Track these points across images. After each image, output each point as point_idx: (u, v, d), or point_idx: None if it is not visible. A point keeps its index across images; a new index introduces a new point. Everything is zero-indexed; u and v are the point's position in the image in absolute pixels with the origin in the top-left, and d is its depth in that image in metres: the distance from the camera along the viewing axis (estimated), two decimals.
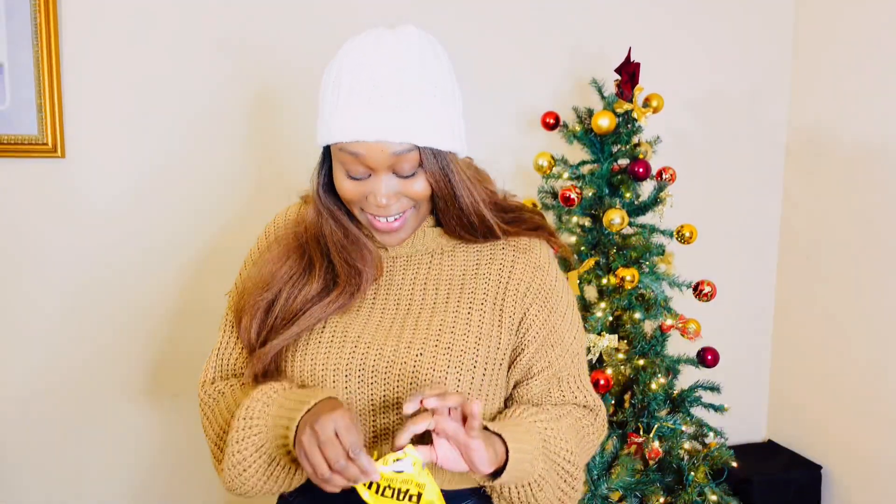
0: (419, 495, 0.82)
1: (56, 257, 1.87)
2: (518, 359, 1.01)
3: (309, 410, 0.86)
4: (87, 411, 1.93)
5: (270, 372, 1.00)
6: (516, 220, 1.06)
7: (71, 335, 1.90)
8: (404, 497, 0.82)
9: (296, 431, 0.86)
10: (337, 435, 0.81)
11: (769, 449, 2.41)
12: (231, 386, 1.05)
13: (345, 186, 0.96)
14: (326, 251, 1.02)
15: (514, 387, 1.04)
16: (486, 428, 0.90)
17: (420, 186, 0.95)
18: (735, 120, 2.34)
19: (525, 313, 1.01)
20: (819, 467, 2.25)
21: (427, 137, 0.92)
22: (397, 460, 0.81)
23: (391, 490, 0.82)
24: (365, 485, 0.82)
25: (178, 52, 1.89)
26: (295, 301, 0.99)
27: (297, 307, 0.99)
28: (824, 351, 2.26)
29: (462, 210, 0.99)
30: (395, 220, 0.97)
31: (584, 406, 1.05)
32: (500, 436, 0.90)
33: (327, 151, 1.00)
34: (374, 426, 0.97)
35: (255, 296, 1.00)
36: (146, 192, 1.91)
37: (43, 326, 1.88)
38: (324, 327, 0.99)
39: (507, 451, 0.89)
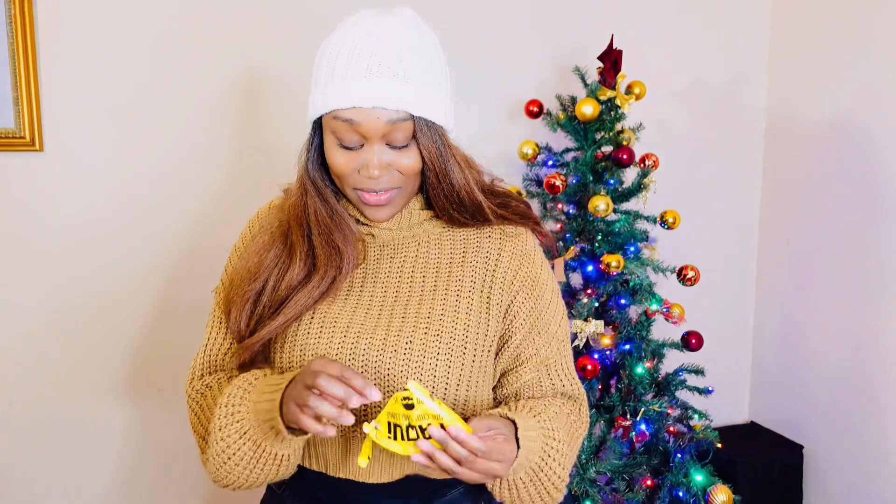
0: (441, 426, 0.81)
1: (35, 252, 1.85)
2: (505, 346, 1.02)
3: (289, 385, 0.87)
4: (70, 408, 1.91)
5: (258, 361, 1.00)
6: (504, 206, 1.06)
7: (51, 331, 1.88)
8: (427, 432, 0.81)
9: (281, 407, 0.86)
10: (322, 372, 0.82)
11: (752, 430, 2.46)
12: (218, 379, 1.05)
13: (336, 158, 0.95)
14: (308, 233, 1.01)
15: (503, 375, 1.05)
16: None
17: (411, 159, 0.95)
18: (716, 107, 2.36)
19: (512, 301, 1.02)
20: (801, 447, 2.30)
21: (422, 108, 0.92)
22: (406, 398, 0.81)
23: (412, 428, 0.82)
24: (381, 432, 0.83)
25: (158, 44, 1.86)
26: (280, 289, 0.99)
27: (283, 295, 0.98)
28: (805, 333, 2.31)
29: (453, 186, 0.99)
30: (385, 193, 0.97)
31: (570, 397, 1.07)
32: (512, 421, 0.91)
33: (318, 128, 0.99)
34: (365, 415, 0.97)
35: (243, 287, 1.00)
36: (127, 186, 1.89)
37: (22, 322, 1.86)
38: (312, 316, 0.99)
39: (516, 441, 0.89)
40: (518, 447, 0.89)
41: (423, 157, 0.96)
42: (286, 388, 0.87)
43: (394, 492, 1.00)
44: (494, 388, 1.05)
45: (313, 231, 1.00)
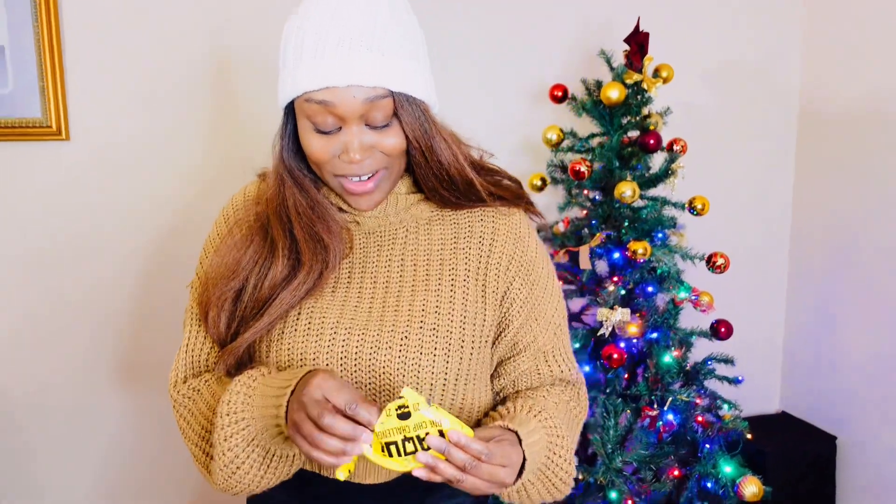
0: (440, 433, 0.77)
1: (63, 240, 1.87)
2: (502, 335, 0.98)
3: (294, 391, 0.82)
4: (74, 398, 1.92)
5: (244, 364, 0.95)
6: (496, 184, 1.00)
7: (76, 320, 1.90)
8: (425, 442, 0.77)
9: (286, 414, 0.81)
10: (327, 399, 0.77)
11: (783, 420, 2.40)
12: (206, 382, 0.97)
13: (312, 144, 0.88)
14: (289, 227, 0.94)
15: (499, 364, 1.00)
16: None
17: (395, 139, 0.88)
18: (746, 89, 2.30)
19: (508, 287, 0.97)
20: (834, 438, 2.25)
21: (401, 83, 0.85)
22: (400, 408, 0.76)
23: (409, 441, 0.77)
24: (378, 450, 0.78)
25: (178, 31, 1.86)
26: (262, 288, 0.92)
27: (266, 294, 0.92)
28: (839, 320, 2.24)
29: (441, 164, 0.92)
30: (369, 178, 0.90)
31: (568, 382, 1.03)
32: (515, 433, 0.87)
33: (290, 112, 0.92)
34: None
35: (221, 286, 0.93)
36: (151, 174, 1.89)
37: (44, 312, 1.88)
38: (299, 314, 0.93)
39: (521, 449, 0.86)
40: (524, 457, 0.85)
41: (406, 136, 0.89)
42: (292, 392, 0.82)
43: (389, 492, 0.96)
44: (491, 377, 1.01)
45: (294, 224, 0.94)
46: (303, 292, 0.91)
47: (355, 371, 0.90)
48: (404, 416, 0.76)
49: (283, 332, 0.92)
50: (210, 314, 0.93)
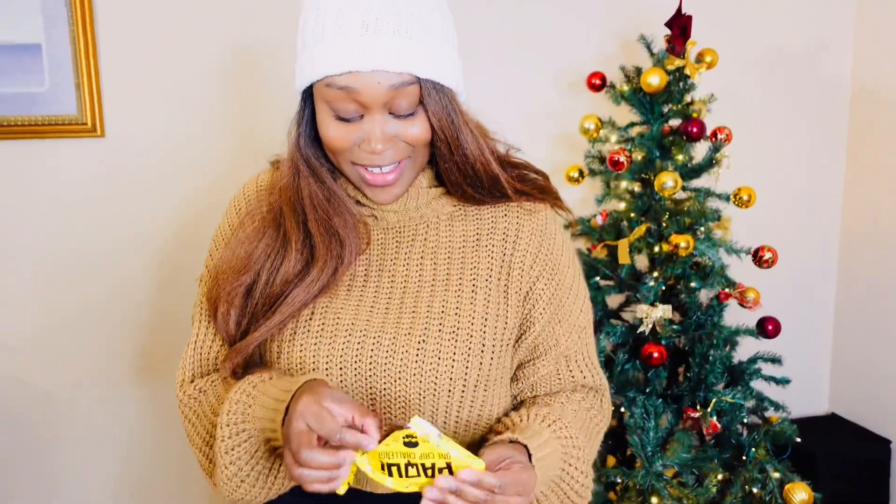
0: (448, 466, 0.71)
1: (98, 235, 1.88)
2: (523, 337, 0.92)
3: (289, 405, 0.77)
4: (104, 395, 1.93)
5: (253, 364, 0.90)
6: (522, 179, 0.95)
7: (110, 315, 1.90)
8: (431, 470, 0.72)
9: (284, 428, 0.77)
10: (311, 428, 0.72)
11: (832, 422, 2.30)
12: (212, 382, 0.93)
13: (332, 132, 0.83)
14: (303, 219, 0.89)
15: (519, 367, 0.95)
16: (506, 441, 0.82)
17: (419, 129, 0.83)
18: (795, 76, 2.19)
19: (531, 288, 0.91)
20: (888, 442, 2.14)
21: (429, 69, 0.80)
22: (408, 437, 0.71)
23: (412, 466, 0.72)
24: (378, 467, 0.73)
25: (210, 27, 1.85)
26: (274, 283, 0.87)
27: (278, 290, 0.86)
28: (891, 318, 2.13)
29: (467, 157, 0.87)
30: (390, 171, 0.85)
31: (591, 388, 0.97)
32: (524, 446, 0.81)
33: (308, 97, 0.88)
34: (373, 409, 0.88)
35: (231, 281, 0.88)
36: (187, 169, 1.89)
37: (87, 303, 1.89)
38: (312, 314, 0.88)
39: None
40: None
41: (432, 126, 0.84)
42: (286, 412, 0.77)
43: (403, 499, 0.90)
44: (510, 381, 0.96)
45: (309, 217, 0.89)
46: (316, 289, 0.87)
47: (370, 377, 0.85)
48: (411, 444, 0.71)
49: (294, 333, 0.87)
50: (219, 310, 0.88)
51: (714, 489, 1.56)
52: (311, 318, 0.87)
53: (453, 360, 0.85)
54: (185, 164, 1.89)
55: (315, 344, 0.86)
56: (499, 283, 0.90)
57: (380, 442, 0.73)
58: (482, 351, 0.87)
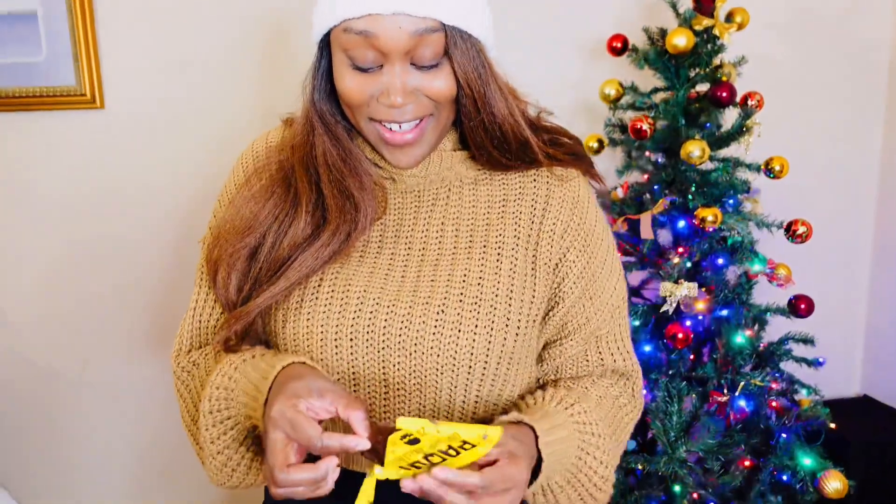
0: (464, 443, 0.65)
1: (101, 208, 1.82)
2: (551, 314, 0.84)
3: (269, 395, 0.71)
4: (117, 369, 1.90)
5: (255, 334, 0.84)
6: (554, 143, 0.87)
7: (114, 286, 1.85)
8: (453, 450, 0.66)
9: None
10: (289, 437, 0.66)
11: (865, 404, 2.20)
12: (206, 356, 0.87)
13: (348, 83, 0.77)
14: (316, 179, 0.83)
15: (545, 346, 0.87)
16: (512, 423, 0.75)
17: (443, 82, 0.76)
18: (830, 38, 2.06)
19: (562, 259, 0.84)
20: None
21: (456, 15, 0.73)
22: (405, 436, 0.64)
23: (432, 455, 0.66)
24: (402, 473, 0.67)
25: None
26: (281, 247, 0.81)
27: (284, 254, 0.81)
28: None
29: (494, 116, 0.80)
30: (410, 129, 0.78)
31: (622, 374, 0.88)
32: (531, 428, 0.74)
33: (325, 47, 0.81)
34: (386, 403, 0.80)
35: (234, 242, 0.82)
36: (189, 141, 1.82)
37: (86, 278, 1.84)
38: (321, 281, 0.81)
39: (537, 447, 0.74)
40: (540, 456, 0.72)
41: (457, 80, 0.76)
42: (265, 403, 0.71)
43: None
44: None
45: (322, 177, 0.82)
46: (327, 255, 0.80)
47: (382, 349, 0.78)
48: (413, 441, 0.64)
49: (301, 301, 0.81)
50: (219, 274, 0.82)
51: (741, 477, 1.48)
52: (319, 286, 0.81)
53: (475, 334, 0.78)
54: (189, 138, 1.82)
55: (324, 313, 0.80)
56: (526, 253, 0.83)
57: (373, 432, 0.66)
58: (506, 325, 0.80)
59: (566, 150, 0.87)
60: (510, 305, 0.80)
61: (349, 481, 0.85)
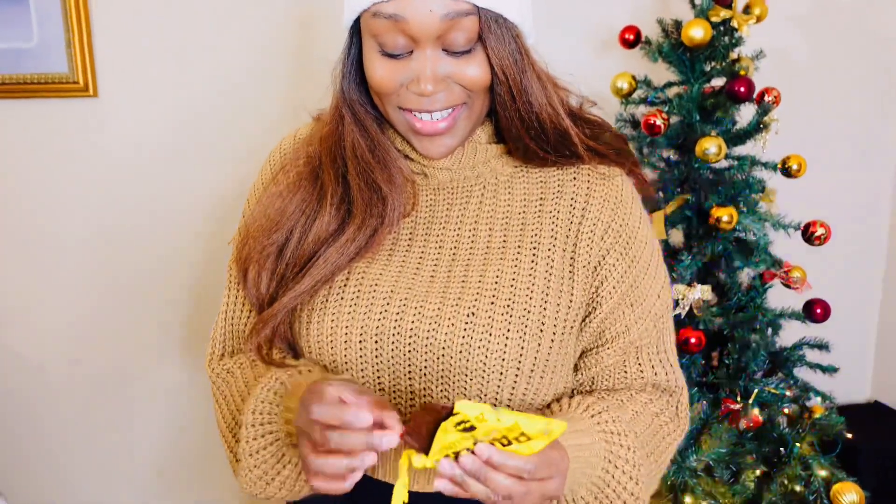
0: (522, 434, 0.59)
1: (91, 200, 1.76)
2: (588, 319, 0.79)
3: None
4: (133, 366, 1.84)
5: (283, 337, 0.81)
6: (595, 137, 0.82)
7: (105, 280, 1.80)
8: (505, 440, 0.61)
9: None
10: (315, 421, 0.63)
11: (875, 411, 2.15)
12: (240, 365, 0.85)
13: (377, 70, 0.74)
14: (343, 171, 0.80)
15: (580, 355, 0.82)
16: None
17: (477, 70, 0.73)
18: (848, 33, 2.00)
19: (601, 261, 0.78)
20: None
21: None
22: (460, 423, 0.59)
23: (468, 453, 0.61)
24: (442, 452, 0.61)
25: None
26: (306, 242, 0.78)
27: (310, 250, 0.78)
28: None
29: (531, 106, 0.75)
30: (442, 119, 0.74)
31: (664, 390, 0.82)
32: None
33: (355, 34, 0.78)
34: (411, 409, 0.76)
35: (262, 240, 0.80)
36: (185, 132, 1.76)
37: (77, 271, 1.79)
38: (347, 280, 0.78)
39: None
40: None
41: (492, 67, 0.72)
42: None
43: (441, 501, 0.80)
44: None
45: (350, 169, 0.79)
46: (352, 251, 0.77)
47: (409, 352, 0.74)
48: (468, 429, 0.59)
49: (327, 300, 0.77)
50: (250, 273, 0.80)
51: (752, 487, 1.43)
52: (345, 285, 0.78)
53: (506, 338, 0.73)
54: (188, 131, 1.75)
55: (349, 313, 0.76)
56: (563, 255, 0.78)
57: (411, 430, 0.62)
58: (541, 331, 0.75)
59: (609, 145, 0.82)
60: (545, 309, 0.76)
61: (371, 488, 0.80)
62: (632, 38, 1.59)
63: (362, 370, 0.76)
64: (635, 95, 1.57)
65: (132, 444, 1.89)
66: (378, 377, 0.77)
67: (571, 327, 0.78)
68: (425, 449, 0.60)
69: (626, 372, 0.80)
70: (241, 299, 0.88)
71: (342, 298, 0.77)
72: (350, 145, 0.80)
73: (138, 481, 1.90)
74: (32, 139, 1.72)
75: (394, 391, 0.77)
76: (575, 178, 0.81)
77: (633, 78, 1.57)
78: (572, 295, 0.77)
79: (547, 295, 0.76)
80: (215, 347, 0.89)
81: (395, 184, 0.79)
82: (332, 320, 0.77)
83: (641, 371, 0.81)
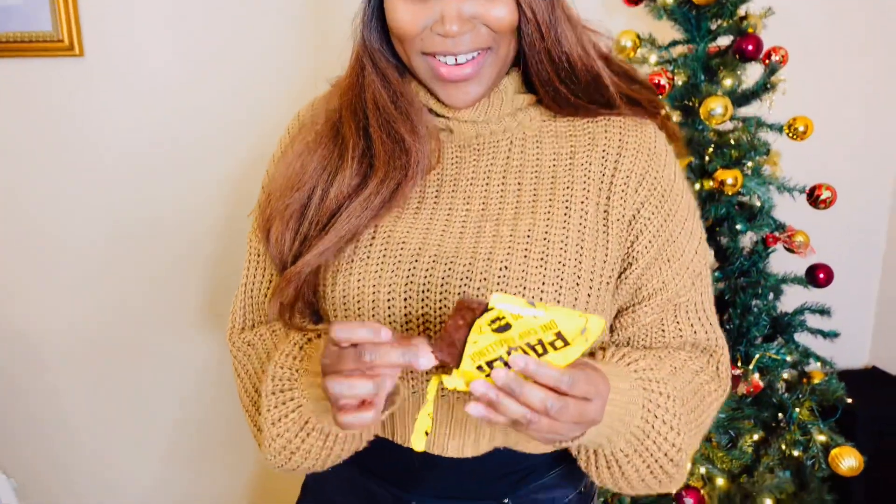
0: (559, 335, 0.55)
1: (78, 165, 1.71)
2: (624, 275, 0.76)
3: None
4: (132, 340, 1.81)
5: (306, 300, 0.78)
6: (629, 84, 0.79)
7: (90, 243, 1.76)
8: (540, 347, 0.56)
9: None
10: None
11: (873, 376, 2.15)
12: (261, 336, 0.83)
13: (399, 13, 0.71)
14: (365, 124, 0.76)
15: (616, 315, 0.78)
16: None
17: (504, 9, 0.70)
18: None
19: (636, 213, 0.75)
20: None
21: None
22: (495, 321, 0.55)
23: (517, 351, 0.56)
24: (473, 377, 0.57)
25: None
26: (328, 199, 0.75)
27: (332, 207, 0.75)
28: None
29: (560, 45, 0.72)
30: (467, 63, 0.72)
31: (703, 349, 0.79)
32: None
33: None
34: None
35: (284, 198, 0.77)
36: (178, 92, 1.70)
37: (68, 239, 1.75)
38: (373, 237, 0.75)
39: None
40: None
41: (520, 6, 0.70)
42: None
43: (474, 470, 0.76)
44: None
45: (371, 121, 0.76)
46: (377, 205, 0.74)
47: (439, 309, 0.71)
48: (503, 328, 0.55)
49: (352, 258, 0.75)
50: (272, 232, 0.77)
51: (750, 452, 1.42)
52: (371, 242, 0.76)
53: (541, 292, 0.71)
54: (178, 88, 1.70)
55: (376, 271, 0.74)
56: (597, 208, 0.75)
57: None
58: (577, 285, 0.72)
59: (641, 93, 0.79)
60: (580, 264, 0.72)
61: (394, 460, 0.78)
62: None
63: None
64: (639, 54, 1.53)
65: (143, 431, 1.87)
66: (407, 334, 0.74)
67: (608, 283, 0.75)
68: (457, 361, 0.57)
69: (663, 331, 0.77)
70: (261, 270, 0.85)
71: (368, 257, 0.75)
72: (371, 97, 0.77)
73: (149, 465, 1.89)
74: (16, 99, 1.67)
75: None
76: (606, 130, 0.78)
77: (638, 36, 1.52)
78: (608, 249, 0.74)
79: (581, 248, 0.73)
80: (235, 321, 0.86)
81: (419, 135, 0.76)
82: (359, 279, 0.74)
83: (680, 330, 0.77)
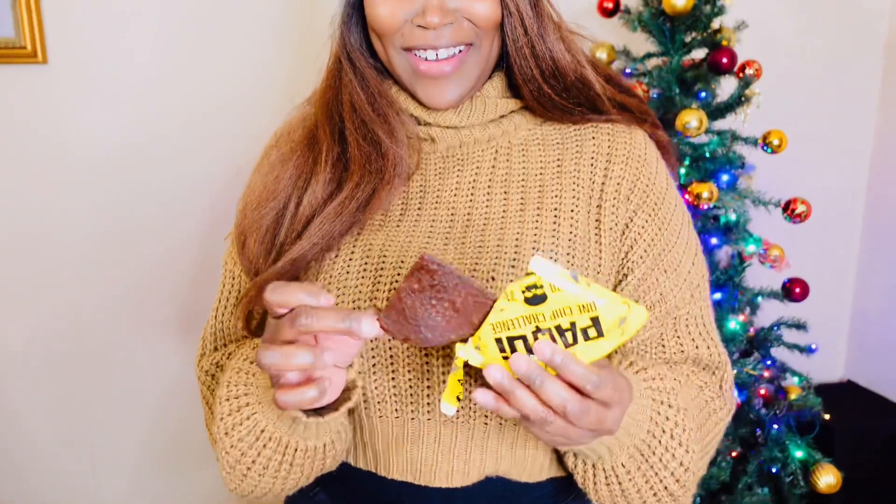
0: (595, 322, 0.49)
1: (43, 174, 1.66)
2: (620, 289, 0.72)
3: None
4: (102, 348, 1.75)
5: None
6: (617, 91, 0.76)
7: (69, 256, 1.70)
8: (571, 334, 0.50)
9: None
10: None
11: (848, 390, 2.15)
12: (228, 354, 0.77)
13: (378, 7, 0.68)
14: (341, 127, 0.73)
15: None
16: None
17: (486, 6, 0.67)
18: (827, 7, 1.96)
19: (629, 223, 0.72)
20: None
21: None
22: (530, 288, 0.49)
23: (545, 334, 0.50)
24: (489, 353, 0.51)
25: None
26: (302, 205, 0.71)
27: (307, 215, 0.71)
28: None
29: (544, 41, 0.70)
30: (448, 59, 0.69)
31: (706, 366, 0.74)
32: None
33: None
34: (428, 379, 0.68)
35: (259, 209, 0.73)
36: (145, 99, 1.66)
37: (31, 248, 1.69)
38: (353, 248, 0.71)
39: None
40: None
41: (503, 1, 0.68)
42: None
43: (466, 501, 0.71)
44: None
45: (347, 124, 0.72)
46: (352, 210, 0.70)
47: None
48: (536, 299, 0.49)
49: (330, 269, 0.71)
50: (247, 244, 0.73)
51: (728, 469, 1.40)
52: (350, 253, 0.72)
53: None
54: (145, 95, 1.65)
55: (355, 284, 0.70)
56: (588, 217, 0.71)
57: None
58: None
59: (631, 101, 0.76)
60: None
61: (380, 492, 0.73)
62: (611, 7, 1.53)
63: (373, 345, 0.69)
64: (614, 67, 1.52)
65: (122, 436, 1.81)
66: (391, 354, 0.69)
67: None
68: (402, 332, 0.51)
69: (663, 346, 0.72)
70: (234, 296, 0.80)
71: (347, 269, 0.70)
72: (348, 98, 0.73)
73: (127, 475, 1.83)
74: None
75: (408, 366, 0.69)
76: (594, 136, 0.74)
77: (613, 48, 1.51)
78: (600, 258, 0.70)
79: (572, 257, 0.69)
80: (206, 346, 0.81)
81: (397, 138, 0.72)
82: (339, 291, 0.70)
83: (681, 345, 0.73)
